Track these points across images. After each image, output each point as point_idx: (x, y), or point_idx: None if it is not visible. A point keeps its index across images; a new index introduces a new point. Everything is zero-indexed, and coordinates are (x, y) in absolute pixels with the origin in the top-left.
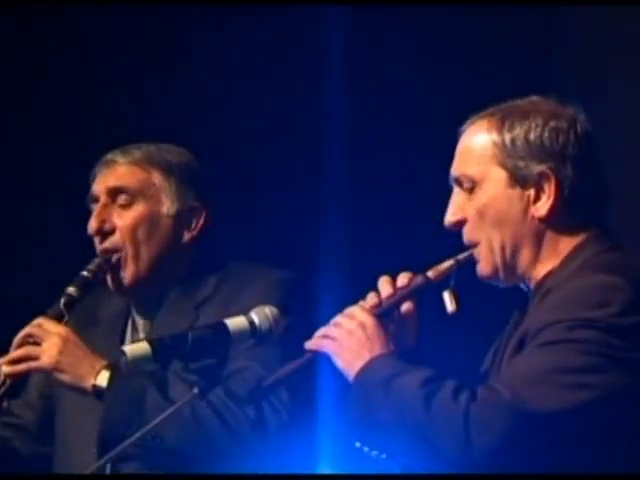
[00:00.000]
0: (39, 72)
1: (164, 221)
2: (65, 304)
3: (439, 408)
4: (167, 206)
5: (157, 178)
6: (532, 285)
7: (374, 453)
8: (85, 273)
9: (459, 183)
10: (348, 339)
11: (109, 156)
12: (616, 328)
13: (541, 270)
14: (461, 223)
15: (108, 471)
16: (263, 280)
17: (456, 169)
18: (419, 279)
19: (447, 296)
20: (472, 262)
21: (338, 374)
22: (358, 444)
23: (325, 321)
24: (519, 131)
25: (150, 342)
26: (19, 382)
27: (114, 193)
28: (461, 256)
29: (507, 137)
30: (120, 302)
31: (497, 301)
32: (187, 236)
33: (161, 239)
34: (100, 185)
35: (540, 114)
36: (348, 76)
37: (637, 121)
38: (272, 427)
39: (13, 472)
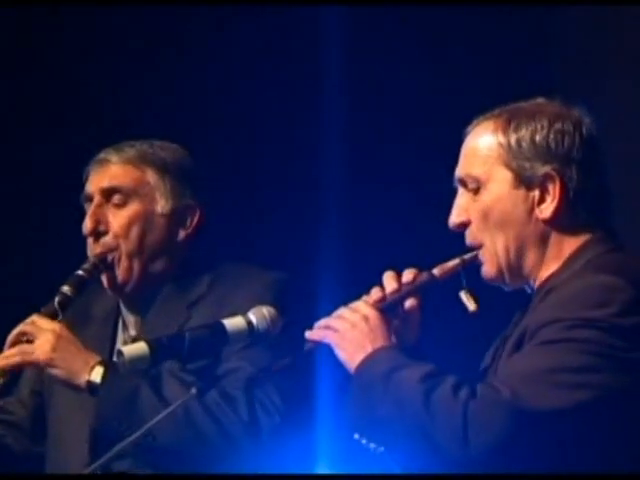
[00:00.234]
0: (35, 71)
1: (158, 220)
2: (60, 303)
3: (438, 404)
4: (161, 205)
5: (151, 177)
6: (535, 286)
7: (372, 446)
8: (80, 272)
9: (464, 184)
10: (351, 331)
11: (102, 155)
12: (616, 328)
13: (545, 272)
14: (465, 225)
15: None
16: (257, 281)
17: (461, 170)
18: (424, 276)
19: (464, 296)
20: (477, 262)
21: (337, 370)
22: (357, 436)
23: None
24: (525, 132)
25: (148, 342)
26: (11, 380)
27: (108, 193)
28: (467, 256)
29: (513, 138)
30: (111, 300)
31: (500, 300)
32: (182, 235)
33: (155, 238)
34: (94, 185)
35: (546, 116)
36: (346, 75)
37: (636, 120)
38: (264, 429)
39: (6, 469)
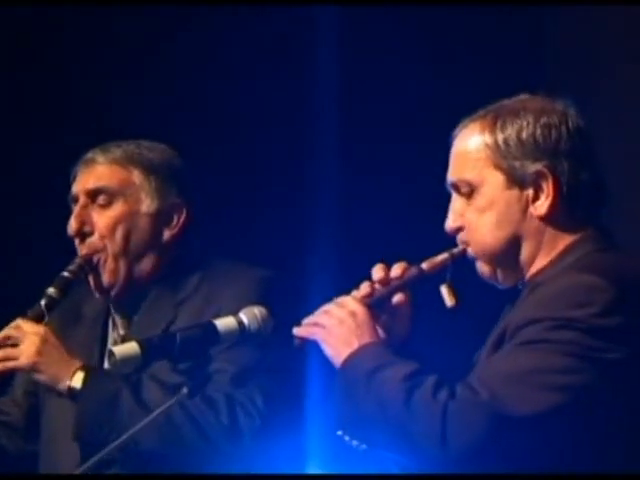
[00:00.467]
0: (30, 71)
1: (144, 220)
2: (46, 305)
3: (418, 404)
4: (147, 204)
5: (137, 177)
6: (525, 280)
7: (355, 443)
8: (66, 274)
9: (457, 188)
10: (338, 327)
11: (89, 155)
12: (596, 329)
13: (535, 267)
14: (462, 229)
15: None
16: (243, 278)
17: (452, 175)
18: (413, 270)
19: (445, 290)
20: (468, 256)
21: (327, 367)
22: (340, 432)
23: None
24: (511, 131)
25: (139, 342)
26: (5, 380)
27: (93, 194)
28: (456, 250)
29: (500, 138)
30: (101, 299)
31: (493, 294)
32: (168, 234)
33: (141, 238)
34: (79, 185)
35: (531, 112)
36: (340, 72)
37: (634, 120)
38: (245, 432)
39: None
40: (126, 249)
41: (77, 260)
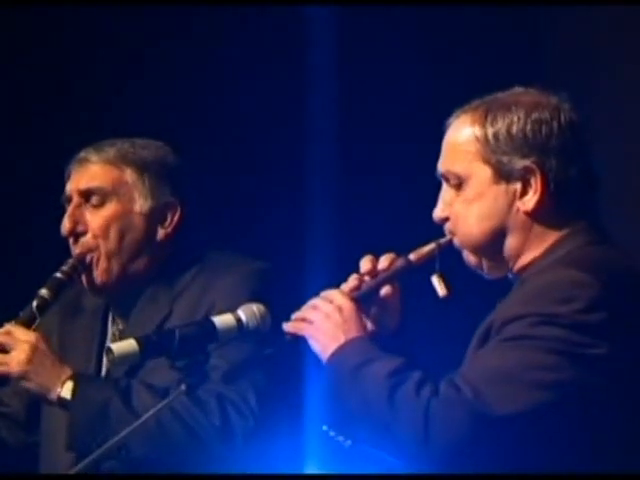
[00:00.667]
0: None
1: (137, 219)
2: (37, 307)
3: (401, 401)
4: (140, 204)
5: (130, 176)
6: (515, 272)
7: (340, 438)
8: (59, 275)
9: (446, 179)
10: (325, 322)
11: (83, 154)
12: (581, 325)
13: (525, 259)
14: (449, 219)
15: None
16: (239, 269)
17: (442, 165)
18: (400, 261)
19: (436, 281)
20: (454, 246)
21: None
22: (325, 427)
23: None
24: (501, 125)
25: (137, 339)
26: None
27: (86, 194)
28: (442, 240)
29: (490, 132)
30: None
31: (486, 285)
32: (161, 233)
33: (135, 237)
34: (73, 185)
35: (523, 106)
36: (335, 70)
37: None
38: (238, 433)
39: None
40: (120, 249)
41: (70, 261)
